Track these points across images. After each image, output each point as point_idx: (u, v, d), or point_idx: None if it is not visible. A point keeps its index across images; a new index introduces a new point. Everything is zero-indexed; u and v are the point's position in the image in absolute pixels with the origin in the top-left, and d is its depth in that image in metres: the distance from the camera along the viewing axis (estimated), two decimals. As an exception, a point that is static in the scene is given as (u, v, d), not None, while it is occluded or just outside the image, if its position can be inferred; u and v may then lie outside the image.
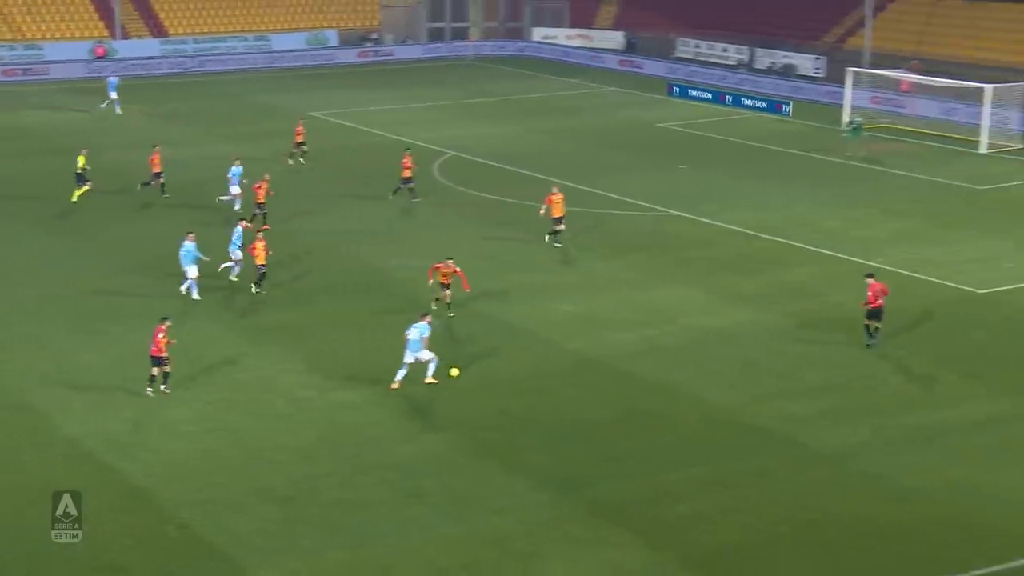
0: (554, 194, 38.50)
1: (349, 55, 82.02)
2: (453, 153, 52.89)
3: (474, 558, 21.01)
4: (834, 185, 47.29)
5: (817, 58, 71.12)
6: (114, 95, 61.48)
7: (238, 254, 34.65)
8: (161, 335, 27.06)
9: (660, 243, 39.31)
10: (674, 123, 60.48)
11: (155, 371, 27.31)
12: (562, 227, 38.29)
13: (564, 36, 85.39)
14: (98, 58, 76.45)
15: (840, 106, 58.99)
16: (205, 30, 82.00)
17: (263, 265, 33.82)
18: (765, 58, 73.57)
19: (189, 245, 33.50)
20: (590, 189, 46.29)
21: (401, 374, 27.59)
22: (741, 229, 40.43)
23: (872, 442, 25.16)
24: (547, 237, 38.61)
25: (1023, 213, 42.77)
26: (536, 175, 49.12)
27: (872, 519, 22.12)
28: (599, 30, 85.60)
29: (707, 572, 20.60)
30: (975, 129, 53.73)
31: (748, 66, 73.50)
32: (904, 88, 61.19)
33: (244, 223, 35.80)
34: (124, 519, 22.02)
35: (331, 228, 41.46)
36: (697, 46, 78.20)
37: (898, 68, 62.18)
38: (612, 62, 78.86)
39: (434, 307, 31.25)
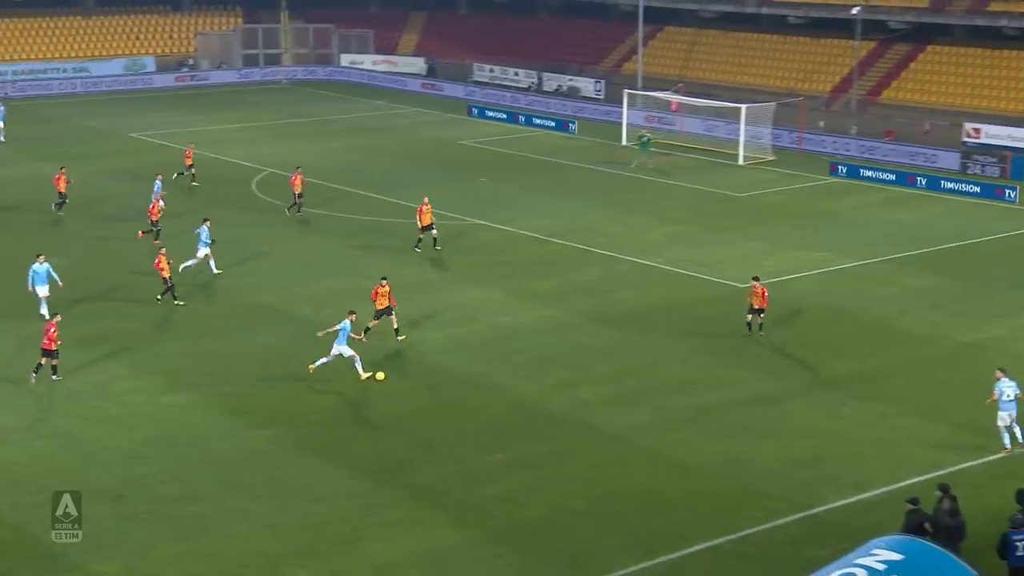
0: (425, 204, 38.85)
1: (166, 80, 79.55)
2: (270, 170, 51.83)
3: (298, 544, 20.60)
4: (615, 194, 48.29)
5: (597, 81, 72.56)
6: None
7: (205, 250, 35.32)
8: (52, 330, 27.08)
9: (464, 249, 39.39)
10: (473, 140, 60.75)
11: (43, 361, 27.20)
12: (434, 232, 38.61)
13: (370, 62, 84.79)
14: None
15: (618, 124, 60.33)
16: (23, 57, 78.14)
17: (169, 278, 32.73)
18: (552, 81, 74.65)
19: (39, 267, 31.30)
20: (398, 201, 46.06)
21: (321, 362, 27.49)
22: (535, 235, 40.88)
23: (654, 422, 25.73)
24: (417, 247, 38.66)
25: (775, 217, 44.48)
26: (348, 189, 48.61)
27: (656, 491, 22.63)
28: (402, 56, 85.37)
29: (513, 545, 20.71)
30: (734, 144, 55.69)
31: (537, 89, 74.48)
32: (673, 108, 62.96)
33: (208, 222, 35.85)
34: (-45, 525, 20.77)
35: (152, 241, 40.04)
36: (492, 70, 78.81)
37: (667, 90, 64.00)
38: (415, 85, 78.73)
39: (363, 339, 29.05)
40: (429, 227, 38.59)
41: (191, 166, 48.54)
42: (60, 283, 31.68)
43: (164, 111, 69.39)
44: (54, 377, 27.31)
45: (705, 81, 69.27)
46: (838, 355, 29.71)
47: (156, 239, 38.13)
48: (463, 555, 20.38)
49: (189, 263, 35.34)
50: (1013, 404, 23.75)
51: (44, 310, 31.27)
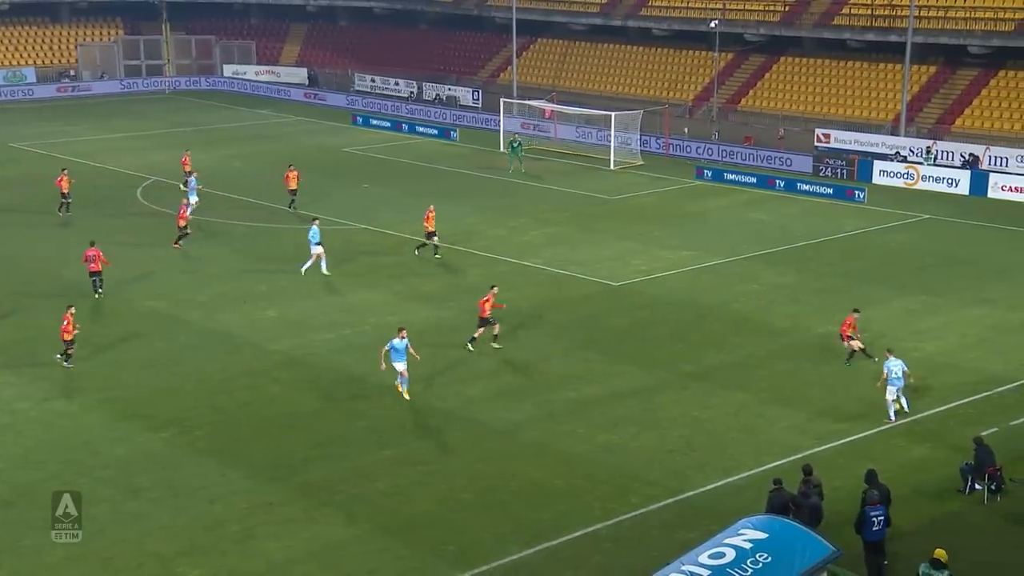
0: (431, 211, 38.62)
1: (48, 90, 76.91)
2: (156, 178, 50.56)
3: (191, 544, 20.18)
4: (495, 198, 48.46)
5: (475, 91, 72.71)
6: None
7: (318, 249, 35.67)
8: (67, 322, 27.62)
9: (351, 253, 39.03)
10: (357, 148, 60.25)
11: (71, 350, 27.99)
12: (435, 240, 38.45)
13: (253, 72, 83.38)
14: None
15: (496, 131, 60.56)
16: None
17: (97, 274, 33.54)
18: (431, 91, 74.54)
19: None
20: (286, 208, 45.41)
21: (402, 383, 26.46)
22: (419, 239, 40.73)
23: (538, 416, 25.89)
24: (416, 250, 38.70)
25: (645, 218, 45.20)
26: (234, 196, 47.73)
27: (540, 482, 22.77)
28: (284, 66, 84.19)
29: (402, 538, 20.61)
30: (605, 149, 56.44)
31: (417, 98, 74.27)
32: (547, 115, 63.48)
33: (317, 221, 36.49)
34: None
35: (35, 250, 38.74)
36: (373, 80, 78.29)
37: (541, 99, 64.50)
38: (298, 95, 77.70)
39: (470, 347, 29.58)
40: (432, 234, 38.33)
41: (190, 172, 46.62)
42: None
43: (46, 121, 67.12)
44: (60, 357, 28.04)
45: (576, 90, 70.07)
46: (706, 347, 30.34)
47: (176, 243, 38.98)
48: (354, 549, 20.21)
49: (307, 265, 35.75)
50: (900, 380, 25.32)
51: None
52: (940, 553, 16.99)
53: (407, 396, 26.35)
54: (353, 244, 40.43)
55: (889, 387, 25.39)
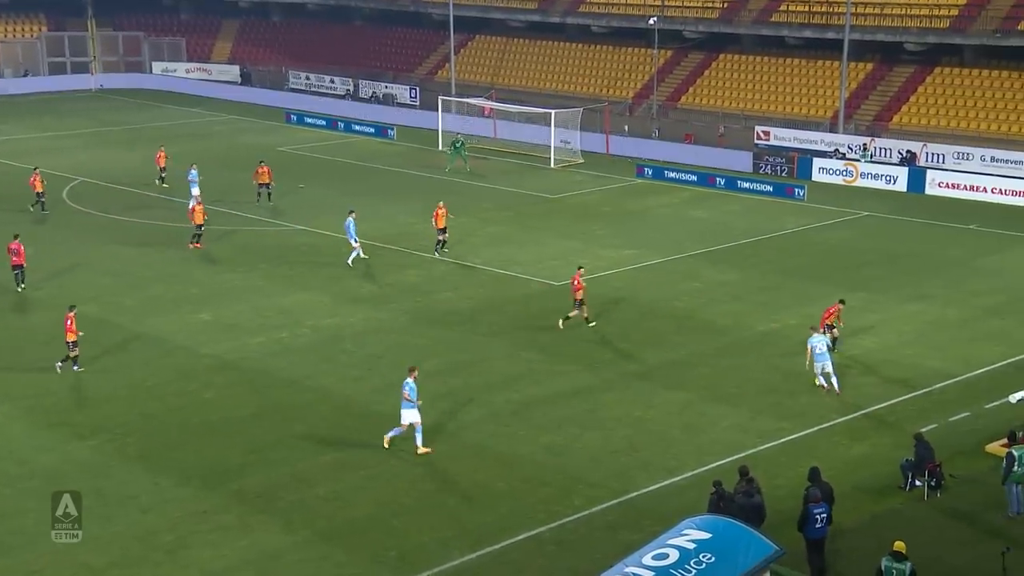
0: (440, 208, 38.67)
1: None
2: (83, 179, 49.71)
3: (123, 555, 19.87)
4: (435, 197, 48.21)
5: (412, 88, 72.50)
6: None
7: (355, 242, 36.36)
8: (70, 322, 27.57)
9: (286, 254, 38.69)
10: (292, 147, 59.77)
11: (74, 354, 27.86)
12: (445, 236, 38.61)
13: (183, 69, 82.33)
14: None
15: (434, 130, 60.43)
16: None
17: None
18: (368, 88, 74.17)
19: None
20: (217, 208, 44.91)
21: (394, 433, 23.96)
22: (360, 239, 40.45)
23: (481, 417, 25.84)
24: (437, 250, 38.58)
25: (587, 217, 45.40)
26: (165, 197, 47.10)
27: (483, 484, 22.73)
28: (216, 63, 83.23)
29: (341, 544, 20.46)
30: (545, 148, 56.57)
31: (353, 96, 73.85)
32: (486, 113, 63.51)
33: (354, 213, 37.04)
34: None
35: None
36: (307, 78, 77.71)
37: (480, 96, 64.48)
38: (230, 93, 76.87)
39: (561, 326, 30.70)
40: (443, 230, 38.50)
41: (164, 169, 48.08)
42: None
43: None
44: (74, 367, 27.88)
45: (515, 88, 70.17)
46: (649, 346, 30.52)
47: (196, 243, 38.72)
48: (292, 557, 20.00)
49: (353, 255, 36.50)
50: (826, 355, 26.64)
51: None
52: (899, 545, 17.25)
53: (422, 450, 23.67)
54: (289, 245, 40.09)
55: (816, 363, 26.60)
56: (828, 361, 26.68)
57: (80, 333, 27.93)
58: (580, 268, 32.07)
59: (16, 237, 34.21)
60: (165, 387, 27.26)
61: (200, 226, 38.75)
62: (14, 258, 33.62)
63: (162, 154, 49.06)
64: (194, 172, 44.80)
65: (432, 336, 31.16)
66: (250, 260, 37.90)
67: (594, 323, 31.54)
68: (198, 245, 38.61)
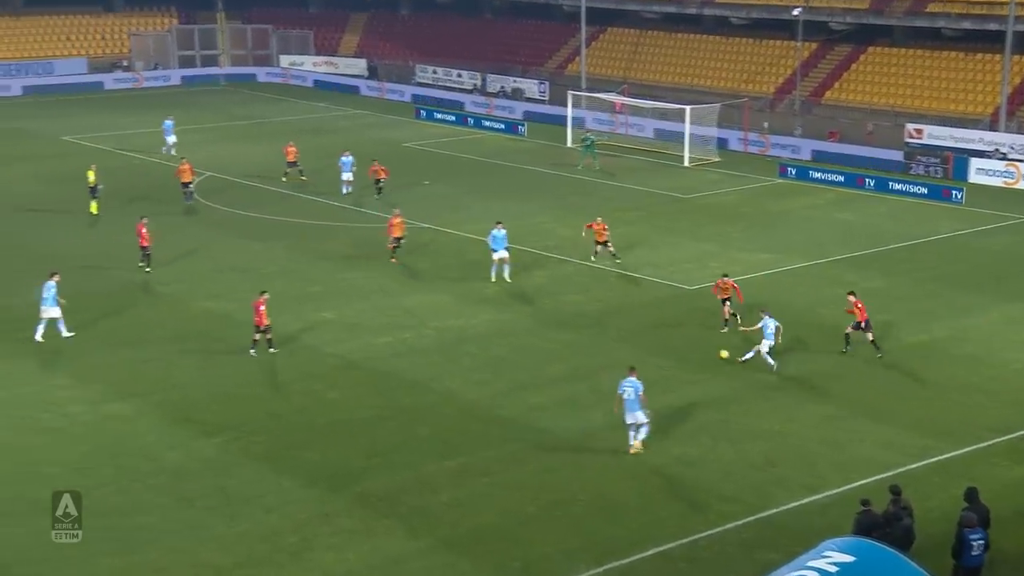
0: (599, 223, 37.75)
1: (100, 81, 78.40)
2: (210, 173, 51.34)
3: (247, 555, 20.40)
4: (563, 196, 48.48)
5: (541, 82, 72.79)
6: None
7: (502, 254, 35.58)
8: (262, 307, 28.82)
9: (409, 252, 39.25)
10: (418, 143, 60.66)
11: (257, 337, 29.10)
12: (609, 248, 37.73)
13: (311, 63, 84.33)
14: None
15: (563, 126, 60.57)
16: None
17: None
18: (496, 82, 74.75)
19: (51, 284, 30.31)
20: (341, 204, 45.88)
21: (631, 437, 24.16)
22: (482, 238, 40.82)
23: (608, 426, 25.67)
24: (594, 255, 37.80)
25: (723, 218, 44.90)
26: (290, 192, 48.32)
27: (610, 495, 22.69)
28: (343, 57, 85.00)
29: (465, 553, 20.66)
30: (679, 145, 56.13)
31: (481, 90, 74.52)
32: (617, 109, 63.36)
33: (500, 224, 35.99)
34: None
35: (93, 248, 39.57)
36: (435, 72, 78.74)
37: (611, 91, 64.35)
38: (357, 87, 78.40)
39: (725, 329, 31.26)
40: (604, 243, 37.43)
41: (294, 162, 49.67)
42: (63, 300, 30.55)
43: (98, 113, 68.54)
44: (271, 349, 29.25)
45: (649, 82, 69.82)
46: (788, 356, 30.00)
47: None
48: (415, 564, 20.30)
49: (503, 271, 35.59)
50: (772, 335, 28.80)
51: (42, 333, 30.34)
52: None
53: (640, 448, 24.17)
54: (412, 243, 40.65)
55: (764, 341, 28.77)
56: (772, 341, 28.75)
57: (266, 322, 29.23)
58: (726, 276, 32.06)
59: (143, 218, 36.51)
60: (290, 386, 27.97)
61: (399, 239, 37.87)
62: (141, 240, 35.93)
63: (292, 148, 50.29)
64: (349, 158, 47.02)
65: (558, 339, 31.25)
66: (372, 258, 38.58)
67: (726, 330, 31.31)
68: (394, 260, 37.85)
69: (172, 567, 19.99)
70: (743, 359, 29.05)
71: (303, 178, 49.29)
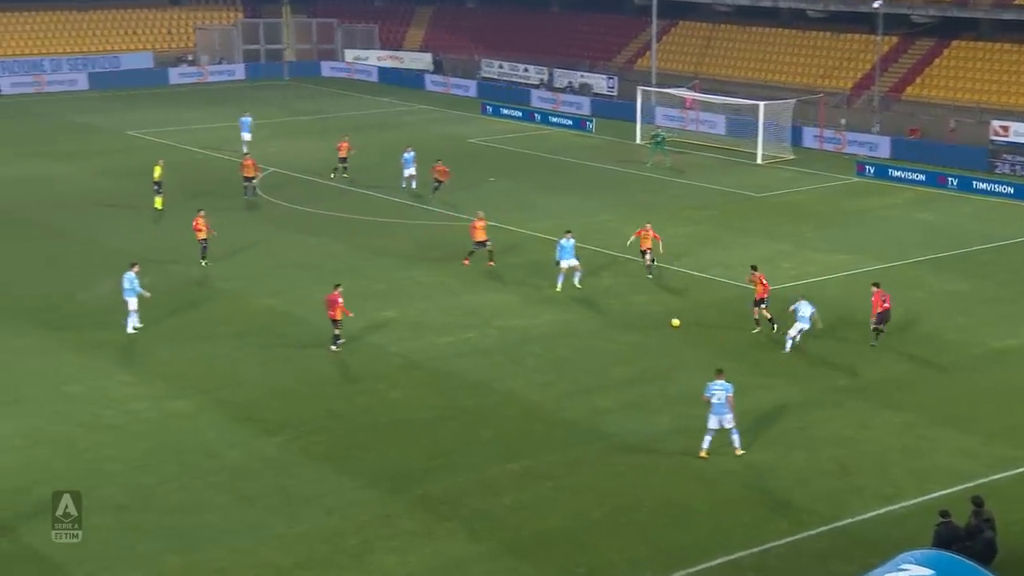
0: (647, 230, 36.39)
1: (165, 76, 79.61)
2: (274, 169, 51.89)
3: (308, 556, 20.60)
4: (630, 194, 48.29)
5: (610, 78, 72.54)
6: None
7: (571, 262, 35.08)
8: (340, 300, 29.40)
9: (474, 252, 39.29)
10: (484, 139, 60.79)
11: (337, 331, 29.82)
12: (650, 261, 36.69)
13: (375, 57, 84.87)
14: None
15: (632, 122, 60.32)
16: (17, 52, 78.37)
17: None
18: (563, 78, 74.64)
19: (131, 275, 31.21)
20: (405, 201, 46.14)
21: (707, 442, 24.06)
22: (548, 236, 40.79)
23: (675, 430, 25.64)
24: (648, 266, 36.43)
25: (797, 217, 44.42)
26: (353, 189, 48.68)
27: (677, 501, 22.59)
28: (408, 51, 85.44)
29: (528, 558, 20.68)
30: (752, 142, 55.64)
31: (548, 85, 74.46)
32: (688, 105, 62.97)
33: (570, 234, 35.58)
34: (-46, 535, 20.82)
35: (157, 243, 40.18)
36: (500, 66, 78.82)
37: (682, 87, 63.97)
38: (423, 82, 78.74)
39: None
40: (647, 252, 36.18)
41: (344, 159, 50.06)
42: (147, 293, 31.43)
43: (163, 108, 69.57)
44: (333, 346, 29.80)
45: (721, 77, 69.25)
46: (865, 361, 29.65)
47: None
48: (477, 568, 20.36)
49: (575, 279, 34.99)
50: (806, 320, 29.82)
51: (133, 322, 31.24)
52: None
53: (741, 452, 24.10)
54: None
55: (796, 324, 29.81)
56: (807, 327, 29.79)
57: (351, 313, 29.91)
58: (754, 269, 32.13)
59: (199, 212, 37.24)
60: (352, 385, 28.19)
61: (482, 243, 36.99)
62: (198, 233, 36.69)
63: (345, 144, 50.53)
64: (411, 154, 47.51)
65: (624, 341, 31.14)
66: (434, 256, 38.74)
67: (757, 331, 31.40)
68: (478, 261, 37.47)
69: (233, 567, 20.24)
70: (789, 345, 30.06)
71: (345, 175, 49.39)
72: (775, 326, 31.12)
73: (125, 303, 31.18)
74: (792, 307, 30.12)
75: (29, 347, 30.17)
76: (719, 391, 23.94)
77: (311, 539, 21.12)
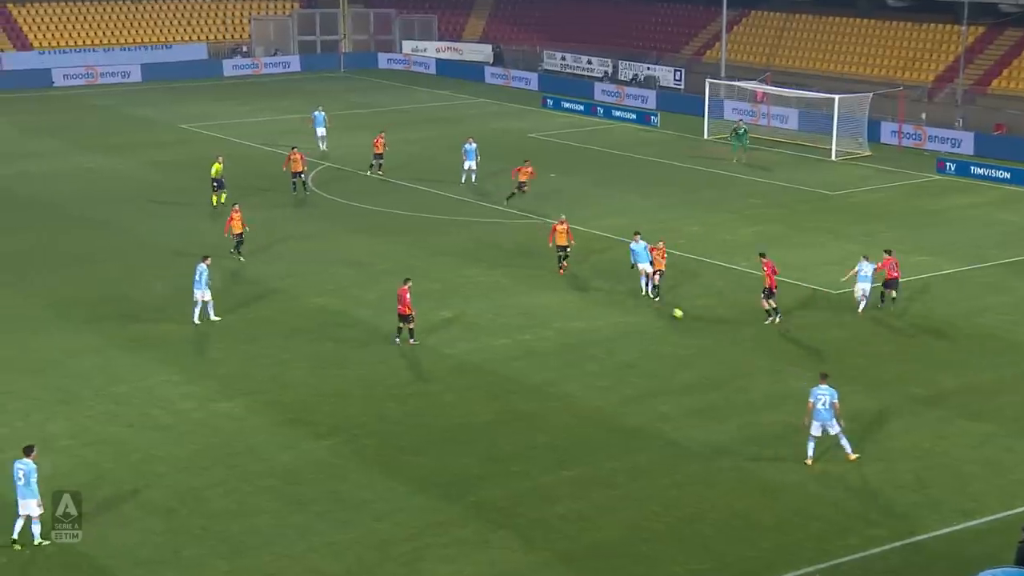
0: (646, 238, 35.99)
1: (220, 67, 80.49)
2: (327, 164, 52.28)
3: (358, 563, 20.74)
4: (695, 191, 48.02)
5: (677, 70, 72.20)
6: None
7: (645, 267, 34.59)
8: (408, 296, 29.96)
9: (531, 249, 39.31)
10: (545, 133, 60.76)
11: (401, 325, 30.40)
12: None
13: (434, 48, 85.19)
14: None
15: (700, 116, 59.95)
16: (72, 44, 79.74)
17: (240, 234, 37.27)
18: (628, 70, 74.41)
19: (203, 268, 31.92)
20: (462, 198, 46.25)
21: (811, 449, 24.04)
22: (609, 235, 40.70)
23: (741, 439, 25.47)
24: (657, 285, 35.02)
25: (873, 217, 43.89)
26: (410, 185, 48.87)
27: (743, 513, 22.42)
28: (468, 42, 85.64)
29: (586, 569, 20.64)
30: (826, 137, 55.08)
31: (612, 78, 74.26)
32: (759, 99, 62.49)
33: (639, 235, 35.12)
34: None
35: (208, 239, 40.61)
36: (563, 58, 78.76)
37: (753, 80, 63.48)
38: (482, 74, 78.88)
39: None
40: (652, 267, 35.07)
41: (380, 154, 50.05)
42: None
43: (217, 100, 70.41)
44: (412, 340, 30.40)
45: (794, 70, 68.69)
46: (943, 369, 29.24)
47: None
48: (533, 579, 20.37)
49: (644, 282, 34.48)
50: (868, 279, 32.43)
51: (207, 313, 32.14)
52: None
53: (853, 456, 24.11)
54: (534, 240, 40.69)
55: (857, 284, 32.45)
56: (869, 285, 32.32)
57: (412, 311, 30.19)
58: (762, 256, 32.86)
59: (235, 206, 37.97)
60: (404, 387, 28.31)
61: (564, 247, 36.49)
62: (234, 228, 37.38)
63: (380, 139, 50.43)
64: (473, 146, 47.80)
65: (689, 345, 30.96)
66: (492, 255, 38.79)
67: (769, 321, 31.96)
68: (563, 269, 36.80)
69: (280, 573, 20.43)
70: (862, 306, 32.54)
71: (379, 173, 49.43)
72: (777, 317, 31.83)
73: (195, 295, 31.80)
74: (855, 268, 32.62)
75: (81, 346, 30.61)
76: (824, 396, 23.79)
77: (361, 546, 21.24)
